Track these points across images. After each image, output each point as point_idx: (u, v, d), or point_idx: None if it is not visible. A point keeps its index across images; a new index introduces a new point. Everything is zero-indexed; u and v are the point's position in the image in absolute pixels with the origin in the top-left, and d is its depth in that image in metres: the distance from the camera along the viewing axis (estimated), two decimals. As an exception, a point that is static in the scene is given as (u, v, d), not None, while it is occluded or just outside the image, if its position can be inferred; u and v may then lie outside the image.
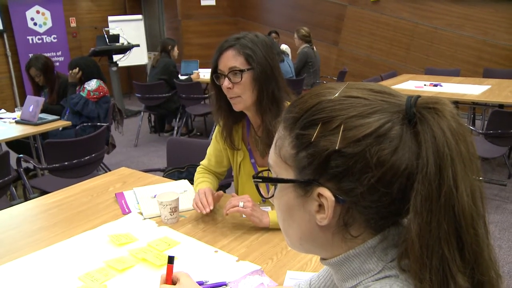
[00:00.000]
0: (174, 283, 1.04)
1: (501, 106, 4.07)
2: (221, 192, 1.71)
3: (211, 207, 1.57)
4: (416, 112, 0.57)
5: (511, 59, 5.96)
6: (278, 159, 0.65)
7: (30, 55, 5.85)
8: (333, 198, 0.59)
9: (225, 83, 1.54)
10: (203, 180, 1.81)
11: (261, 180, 0.68)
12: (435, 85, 4.65)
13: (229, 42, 1.55)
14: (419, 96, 0.59)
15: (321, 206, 0.61)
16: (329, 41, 7.67)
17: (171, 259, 1.03)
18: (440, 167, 0.54)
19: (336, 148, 0.57)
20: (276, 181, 0.66)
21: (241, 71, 1.53)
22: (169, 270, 1.03)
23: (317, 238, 0.64)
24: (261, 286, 1.20)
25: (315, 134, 0.59)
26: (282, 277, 1.26)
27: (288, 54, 5.87)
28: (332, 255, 0.66)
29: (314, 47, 6.03)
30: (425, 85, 4.71)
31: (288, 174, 0.63)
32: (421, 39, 6.70)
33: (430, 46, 6.63)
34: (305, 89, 5.78)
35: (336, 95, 0.61)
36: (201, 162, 1.90)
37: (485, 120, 5.01)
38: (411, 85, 4.75)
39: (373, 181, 0.57)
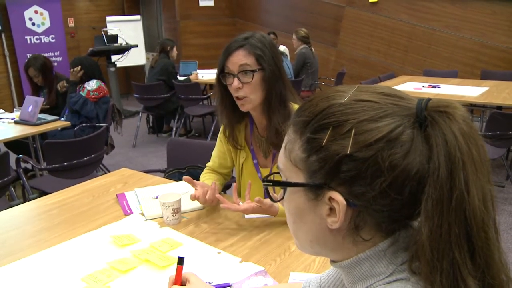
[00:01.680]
0: (183, 284, 1.04)
1: (499, 107, 4.08)
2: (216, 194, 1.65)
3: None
4: (427, 115, 0.57)
5: (508, 61, 5.98)
6: (288, 162, 0.65)
7: (28, 55, 5.87)
8: (344, 202, 0.59)
9: (235, 83, 1.54)
10: (206, 178, 1.82)
11: (271, 184, 0.67)
12: (434, 87, 4.66)
13: (238, 42, 1.55)
14: (429, 99, 0.59)
15: (332, 209, 0.61)
16: (327, 42, 7.68)
17: (181, 260, 1.03)
18: (452, 171, 0.54)
19: (348, 152, 0.57)
20: (287, 185, 0.66)
21: (253, 71, 1.53)
22: (179, 271, 1.03)
23: (327, 241, 0.65)
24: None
25: (326, 138, 0.59)
26: (285, 278, 1.26)
27: (287, 55, 5.88)
28: (343, 257, 0.66)
29: (313, 48, 6.04)
30: (423, 86, 4.72)
31: (299, 178, 0.63)
32: (419, 41, 6.72)
33: (428, 48, 6.65)
34: (304, 90, 5.79)
35: (346, 98, 0.61)
36: (207, 164, 1.91)
37: (483, 122, 5.02)
38: (409, 86, 4.76)
39: (385, 185, 0.57)
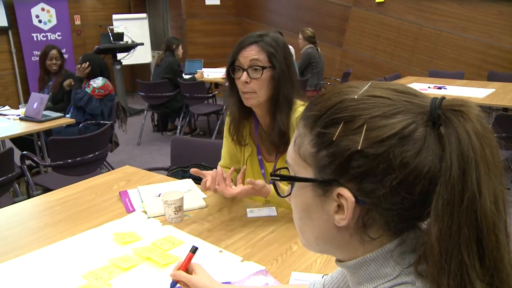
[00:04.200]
0: (189, 272, 1.05)
1: (505, 109, 4.05)
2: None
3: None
4: (441, 114, 0.56)
5: (516, 63, 5.94)
6: (297, 157, 0.64)
7: (35, 52, 5.92)
8: (353, 199, 0.58)
9: (243, 77, 1.55)
10: None
11: (279, 178, 0.67)
12: (439, 88, 4.64)
13: (253, 38, 1.57)
14: (444, 98, 0.58)
15: (340, 206, 0.60)
16: (333, 42, 7.66)
17: (194, 249, 1.06)
18: (464, 171, 0.53)
19: (359, 148, 0.56)
20: (295, 179, 0.65)
21: (263, 67, 1.54)
22: (189, 259, 1.05)
23: (334, 238, 0.64)
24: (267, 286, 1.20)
25: (336, 133, 0.58)
26: (287, 278, 1.25)
27: (292, 55, 5.86)
28: (349, 256, 0.65)
29: (319, 48, 6.03)
30: (429, 87, 4.70)
31: (307, 173, 0.62)
32: (426, 42, 6.69)
33: (435, 49, 6.62)
34: (309, 90, 5.78)
35: (359, 94, 0.60)
36: (218, 163, 1.91)
37: (489, 123, 4.98)
38: (415, 87, 4.66)
39: (395, 183, 0.56)
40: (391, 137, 0.56)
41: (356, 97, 0.60)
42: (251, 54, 1.55)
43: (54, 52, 4.31)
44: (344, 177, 0.58)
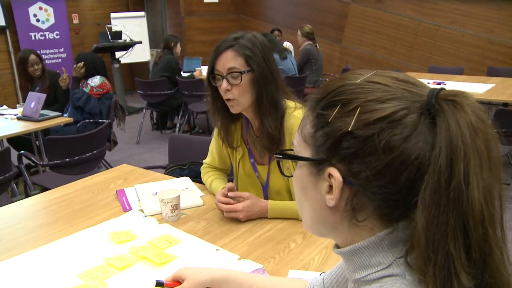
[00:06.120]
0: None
1: (505, 104, 4.04)
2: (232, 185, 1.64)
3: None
4: (435, 103, 0.56)
5: (515, 58, 5.92)
6: (300, 138, 0.67)
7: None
8: (341, 179, 0.59)
9: (224, 84, 1.50)
10: (215, 177, 1.80)
11: (281, 156, 0.70)
12: (439, 83, 4.62)
13: (227, 42, 1.51)
14: (442, 88, 0.58)
15: (331, 187, 0.61)
16: (332, 38, 7.64)
17: (160, 284, 1.05)
18: (452, 161, 0.52)
19: (349, 129, 0.58)
20: (293, 158, 0.68)
21: (241, 72, 1.49)
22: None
23: (327, 220, 0.65)
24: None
25: (332, 115, 0.60)
26: (284, 276, 1.24)
27: (291, 52, 5.85)
28: (342, 240, 0.66)
29: (317, 45, 6.01)
30: (428, 83, 4.65)
31: (306, 153, 0.65)
32: (425, 37, 6.67)
33: (434, 44, 6.60)
34: (308, 86, 5.76)
35: (360, 80, 0.62)
36: (204, 161, 1.88)
37: (489, 118, 4.98)
38: (414, 83, 4.71)
39: (380, 166, 0.57)
40: (380, 120, 0.57)
41: (356, 82, 0.62)
42: (228, 60, 1.49)
43: (33, 57, 4.19)
44: (335, 157, 0.60)
